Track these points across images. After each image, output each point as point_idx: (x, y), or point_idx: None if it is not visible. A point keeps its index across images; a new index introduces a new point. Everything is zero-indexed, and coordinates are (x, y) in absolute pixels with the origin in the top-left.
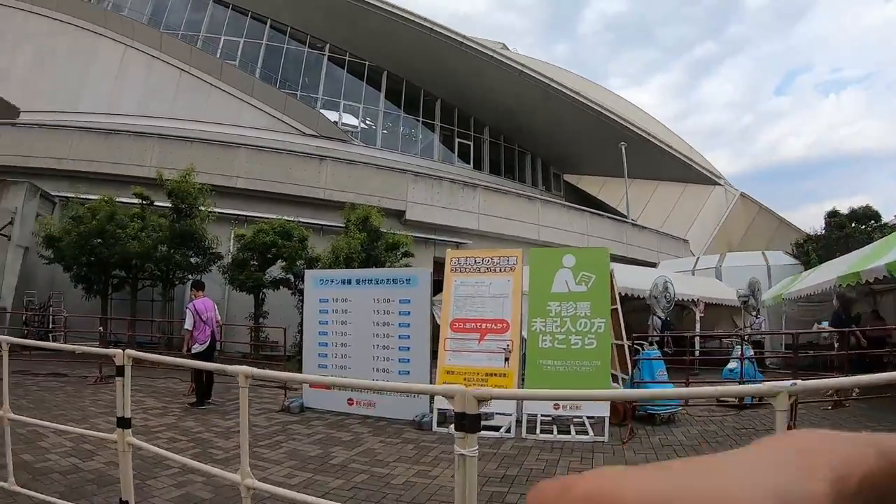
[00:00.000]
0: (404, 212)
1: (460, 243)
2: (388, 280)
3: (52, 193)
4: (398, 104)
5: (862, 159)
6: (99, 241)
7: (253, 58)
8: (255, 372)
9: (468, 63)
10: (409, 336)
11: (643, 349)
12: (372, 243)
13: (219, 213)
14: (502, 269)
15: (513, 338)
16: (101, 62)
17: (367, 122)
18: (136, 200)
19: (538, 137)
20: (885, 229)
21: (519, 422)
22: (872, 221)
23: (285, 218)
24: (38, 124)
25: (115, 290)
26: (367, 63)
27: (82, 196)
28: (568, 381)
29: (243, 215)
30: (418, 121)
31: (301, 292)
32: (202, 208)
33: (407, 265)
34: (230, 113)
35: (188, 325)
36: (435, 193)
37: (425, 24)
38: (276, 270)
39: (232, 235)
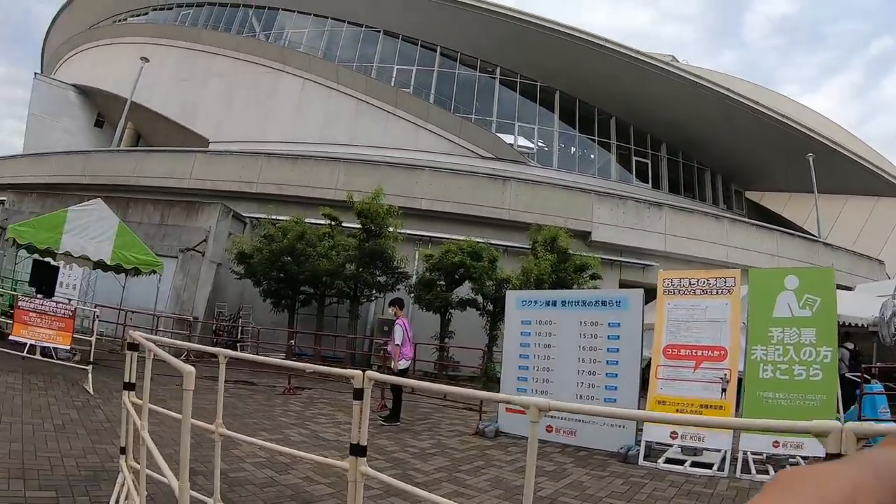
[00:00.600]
0: (589, 233)
1: (647, 265)
2: (596, 302)
3: (244, 214)
4: (572, 124)
5: None
6: (289, 258)
7: (426, 85)
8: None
9: (641, 78)
10: (617, 362)
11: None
12: (560, 265)
13: (406, 234)
14: (719, 292)
15: (731, 366)
16: (282, 95)
17: (542, 143)
18: (323, 221)
19: (717, 152)
20: None
21: (734, 459)
22: None
23: (473, 239)
24: (228, 151)
25: (301, 305)
26: (538, 84)
27: (273, 217)
28: (790, 417)
29: (427, 236)
30: (594, 140)
31: (490, 313)
32: (391, 229)
33: (595, 287)
34: (408, 138)
35: (398, 340)
36: (620, 213)
37: (596, 41)
38: (462, 291)
39: (417, 255)
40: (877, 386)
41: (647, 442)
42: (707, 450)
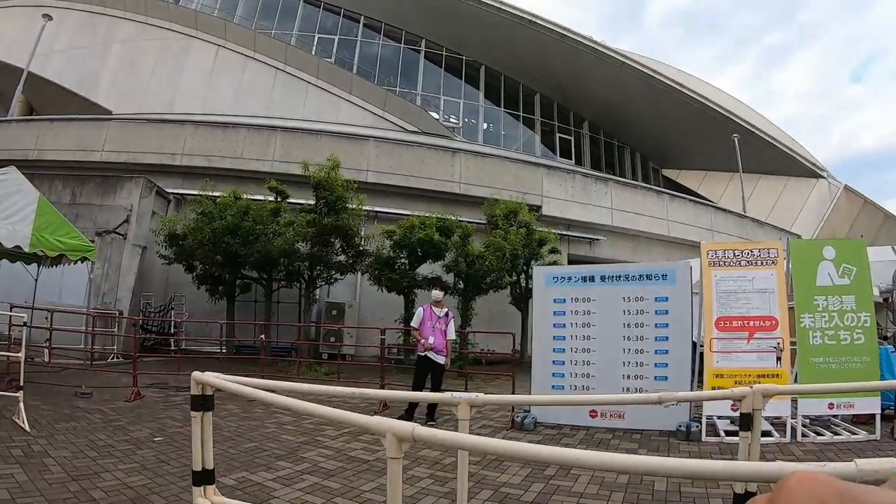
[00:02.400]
0: (540, 206)
1: (594, 239)
2: (640, 276)
3: (168, 190)
4: (497, 100)
5: None
6: (233, 238)
7: (348, 56)
8: (483, 399)
9: (569, 55)
10: (667, 338)
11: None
12: (527, 239)
13: (365, 210)
14: (764, 262)
15: (783, 335)
16: (193, 64)
17: (467, 118)
18: (260, 196)
19: (638, 131)
20: None
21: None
22: None
23: (424, 214)
24: (147, 119)
25: (242, 291)
26: (464, 58)
27: (208, 193)
28: (841, 379)
29: (375, 211)
30: (518, 116)
31: (460, 292)
32: (353, 205)
33: (555, 262)
34: (329, 110)
35: (452, 335)
36: (569, 188)
37: (526, 16)
38: (424, 269)
39: (377, 232)
40: (889, 348)
41: (708, 417)
42: (767, 418)
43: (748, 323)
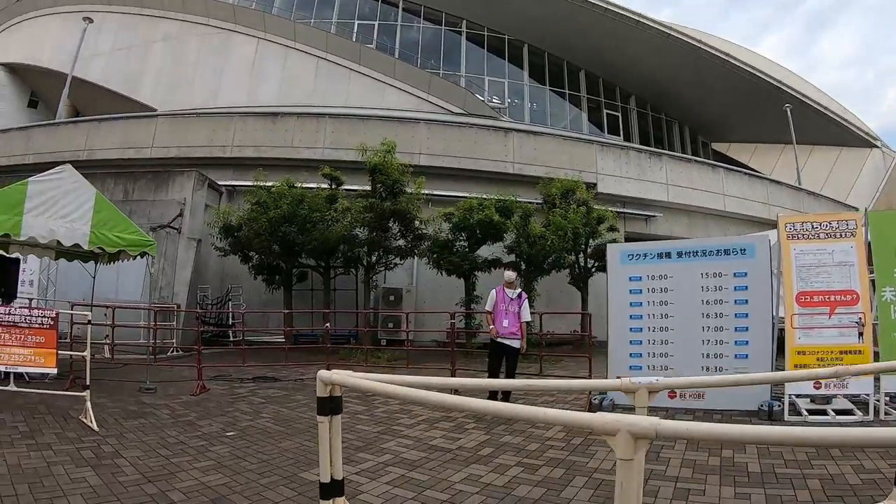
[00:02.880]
0: (595, 184)
1: (650, 216)
2: (718, 251)
3: (219, 183)
4: (542, 79)
5: None
6: (293, 226)
7: (389, 41)
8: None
9: (612, 30)
10: (746, 314)
11: None
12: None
13: (425, 194)
14: (843, 235)
15: (864, 310)
16: (235, 58)
17: (511, 98)
18: (313, 185)
19: (685, 105)
20: None
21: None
22: None
23: (480, 196)
24: (195, 113)
25: (298, 280)
26: (506, 37)
27: (261, 183)
28: None
29: (428, 194)
30: (564, 94)
31: (521, 273)
32: (412, 189)
33: (614, 240)
34: (373, 96)
35: (527, 317)
36: (623, 164)
37: None
38: (483, 251)
39: (433, 215)
40: None
41: (791, 396)
42: (847, 397)
43: (829, 298)
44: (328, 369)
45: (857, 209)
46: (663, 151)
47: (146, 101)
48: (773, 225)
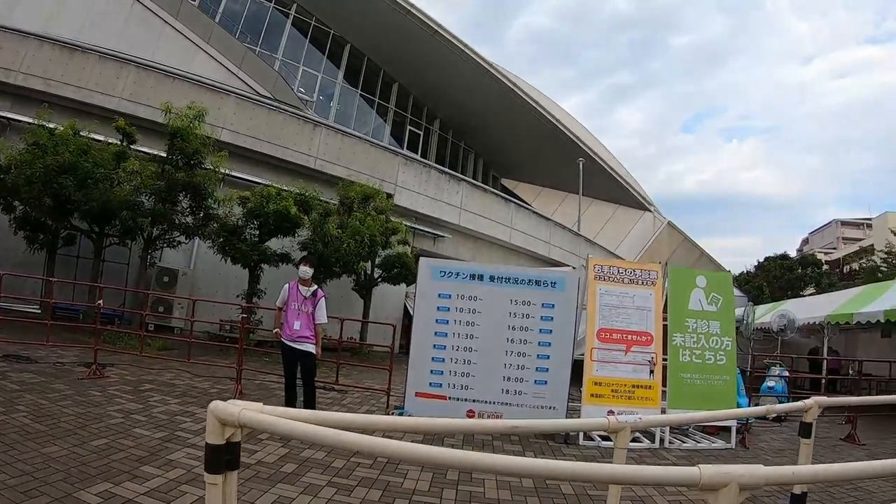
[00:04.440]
0: (392, 195)
1: (438, 236)
2: (530, 281)
3: None
4: (355, 82)
5: (750, 203)
6: (72, 180)
7: (213, 3)
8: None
9: (436, 52)
10: (549, 344)
11: None
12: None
13: (222, 173)
14: (644, 283)
15: (656, 350)
16: None
17: (322, 94)
18: (100, 137)
19: (487, 138)
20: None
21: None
22: (814, 267)
23: (277, 186)
24: None
25: (65, 244)
26: (332, 32)
27: (44, 122)
28: (704, 393)
29: (226, 173)
30: (373, 102)
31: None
32: (212, 166)
33: (405, 254)
34: (182, 57)
35: (322, 318)
36: (423, 181)
37: (403, 3)
38: (274, 244)
39: (227, 196)
40: None
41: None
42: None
43: (627, 336)
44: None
45: (624, 259)
46: (463, 177)
47: None
48: (551, 263)
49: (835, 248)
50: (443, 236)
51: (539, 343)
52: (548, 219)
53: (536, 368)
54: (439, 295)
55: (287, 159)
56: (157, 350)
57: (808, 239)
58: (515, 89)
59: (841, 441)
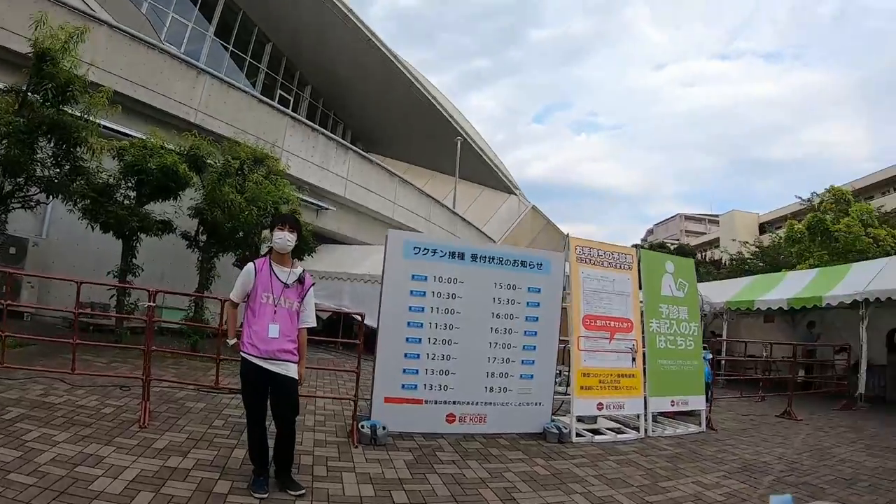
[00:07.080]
0: (278, 160)
1: (322, 208)
2: (515, 261)
3: None
4: (227, 38)
5: (596, 194)
6: None
7: None
8: None
9: (317, 13)
10: (535, 333)
11: None
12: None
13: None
14: (622, 266)
15: (636, 337)
16: None
17: (191, 48)
18: None
19: (358, 109)
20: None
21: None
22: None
23: (193, 142)
24: None
25: None
26: None
27: None
28: (679, 378)
29: (97, 123)
30: (244, 62)
31: (201, 246)
32: (82, 104)
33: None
34: None
35: (310, 319)
36: (310, 147)
37: None
38: (154, 208)
39: (100, 146)
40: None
41: (578, 417)
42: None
43: (610, 323)
44: None
45: (494, 241)
46: (350, 146)
47: None
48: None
49: (678, 240)
50: (326, 208)
51: (525, 332)
52: (429, 196)
53: (522, 361)
54: (413, 276)
55: (165, 109)
56: (11, 348)
57: (653, 230)
58: (395, 61)
59: (777, 418)
